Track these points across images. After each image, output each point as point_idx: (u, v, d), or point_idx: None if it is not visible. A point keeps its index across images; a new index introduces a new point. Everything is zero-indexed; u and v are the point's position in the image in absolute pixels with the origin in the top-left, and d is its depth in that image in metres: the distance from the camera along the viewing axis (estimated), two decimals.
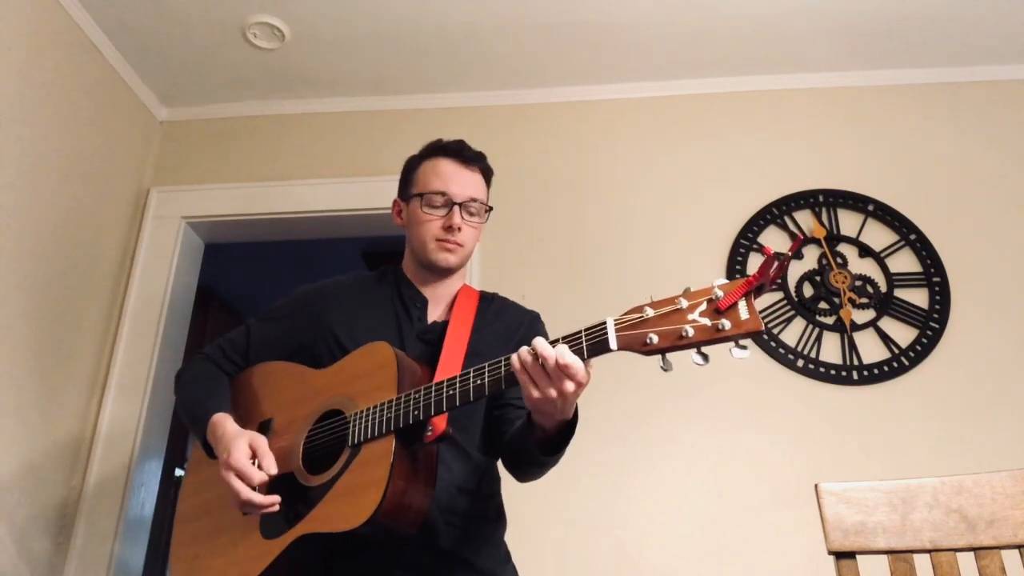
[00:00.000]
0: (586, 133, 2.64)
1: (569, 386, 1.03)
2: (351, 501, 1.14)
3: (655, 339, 0.97)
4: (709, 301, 0.95)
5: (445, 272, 1.46)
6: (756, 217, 2.45)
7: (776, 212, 2.45)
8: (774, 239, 2.43)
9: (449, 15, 2.38)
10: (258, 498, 1.18)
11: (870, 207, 2.44)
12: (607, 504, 2.13)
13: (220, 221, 2.67)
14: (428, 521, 1.20)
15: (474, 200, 1.44)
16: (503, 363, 1.09)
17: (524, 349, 1.05)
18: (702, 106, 2.65)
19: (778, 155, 2.55)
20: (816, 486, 1.08)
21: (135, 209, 2.63)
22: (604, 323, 1.01)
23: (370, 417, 1.19)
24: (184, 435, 3.56)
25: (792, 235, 2.42)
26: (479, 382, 1.11)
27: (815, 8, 2.36)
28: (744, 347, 0.93)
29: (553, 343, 1.04)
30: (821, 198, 2.47)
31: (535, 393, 1.05)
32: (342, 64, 2.59)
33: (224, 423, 1.29)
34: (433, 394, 1.14)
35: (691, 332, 0.95)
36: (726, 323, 0.93)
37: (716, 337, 0.94)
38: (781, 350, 2.27)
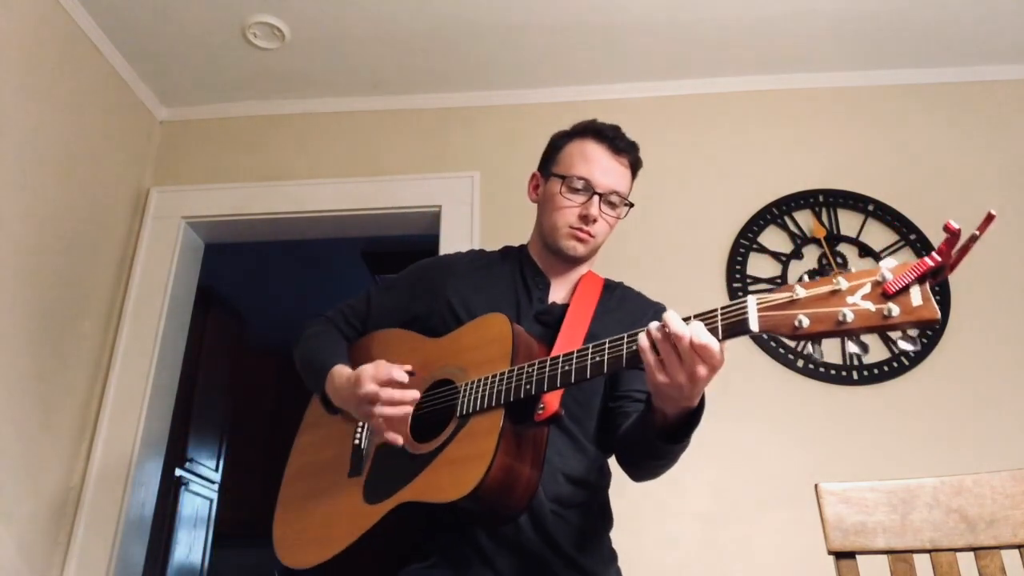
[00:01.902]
0: None
1: (702, 370, 0.94)
2: (454, 472, 1.10)
3: (806, 323, 0.86)
4: (875, 284, 0.83)
5: (571, 260, 1.41)
6: (756, 217, 2.45)
7: (776, 212, 2.45)
8: (774, 239, 2.43)
9: (449, 15, 2.38)
10: (398, 393, 1.17)
11: (870, 207, 2.44)
12: None
13: (220, 221, 2.67)
14: (534, 505, 1.16)
15: (616, 192, 1.37)
16: (625, 340, 1.01)
17: (654, 325, 0.96)
18: (702, 106, 2.65)
19: (778, 155, 2.55)
20: (816, 486, 1.08)
21: (135, 209, 2.63)
22: (744, 301, 0.91)
23: (480, 388, 1.15)
24: (184, 435, 3.56)
25: (792, 236, 2.42)
26: (598, 359, 1.03)
27: (815, 8, 2.36)
28: (913, 338, 0.82)
29: (685, 320, 0.95)
30: (821, 198, 2.47)
31: (661, 377, 0.96)
32: (342, 64, 2.59)
33: (343, 370, 1.29)
34: (548, 369, 1.08)
35: (851, 317, 0.83)
36: (895, 308, 0.80)
37: (882, 325, 0.81)
38: (781, 350, 2.27)
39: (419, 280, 1.47)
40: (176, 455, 3.45)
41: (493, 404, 1.12)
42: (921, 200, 2.44)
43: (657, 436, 1.10)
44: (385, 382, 1.18)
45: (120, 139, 2.57)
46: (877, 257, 2.38)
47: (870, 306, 0.82)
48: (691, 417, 1.07)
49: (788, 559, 1.99)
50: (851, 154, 2.53)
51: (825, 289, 0.86)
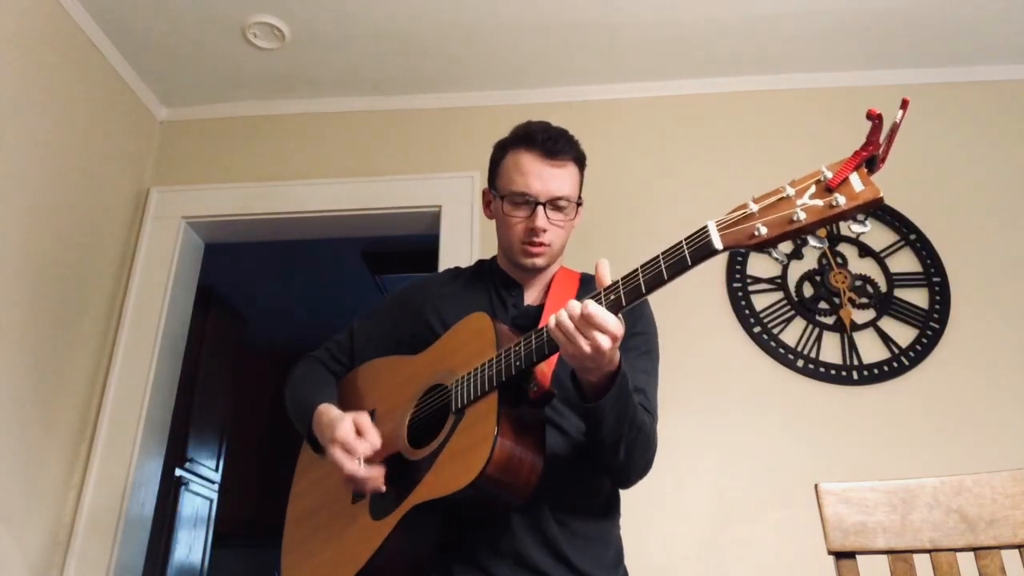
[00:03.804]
0: (585, 133, 2.59)
1: (602, 340, 1.01)
2: (459, 462, 1.11)
3: (764, 231, 0.92)
4: (817, 182, 0.91)
5: (535, 272, 1.43)
6: None
7: None
8: None
9: (449, 15, 2.38)
10: (362, 471, 1.18)
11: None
12: None
13: (220, 221, 2.67)
14: (532, 509, 1.16)
15: (559, 197, 1.36)
16: (603, 293, 1.06)
17: (562, 310, 1.05)
18: (702, 106, 2.65)
19: (777, 155, 2.54)
20: (816, 486, 1.08)
21: (135, 209, 2.63)
22: (705, 227, 0.98)
23: (471, 379, 1.17)
24: (184, 435, 3.56)
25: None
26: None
27: (815, 8, 2.36)
28: (862, 221, 0.88)
29: (660, 254, 1.02)
30: None
31: (570, 349, 1.04)
32: (342, 64, 2.59)
33: (328, 410, 1.30)
34: (534, 341, 1.11)
35: (803, 216, 0.90)
36: (840, 198, 0.87)
37: (831, 215, 0.88)
38: (781, 350, 2.27)
39: (398, 305, 1.50)
40: (176, 455, 3.45)
41: (486, 389, 1.13)
42: (921, 200, 2.43)
43: (586, 401, 1.14)
44: (350, 452, 1.20)
45: (120, 139, 2.57)
46: (877, 257, 2.38)
47: (818, 202, 0.89)
48: (615, 377, 1.11)
49: (788, 559, 1.99)
50: (850, 154, 2.53)
51: (775, 198, 0.94)
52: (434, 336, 1.35)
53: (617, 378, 1.11)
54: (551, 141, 1.37)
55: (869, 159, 0.88)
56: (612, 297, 1.04)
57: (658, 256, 1.01)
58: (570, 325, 1.03)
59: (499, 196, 1.40)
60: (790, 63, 2.59)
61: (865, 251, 2.39)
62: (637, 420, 1.18)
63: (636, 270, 1.04)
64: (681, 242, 1.00)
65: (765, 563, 2.03)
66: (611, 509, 1.33)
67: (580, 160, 1.43)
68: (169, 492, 3.41)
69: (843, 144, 2.76)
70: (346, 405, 1.35)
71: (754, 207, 0.95)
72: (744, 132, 2.59)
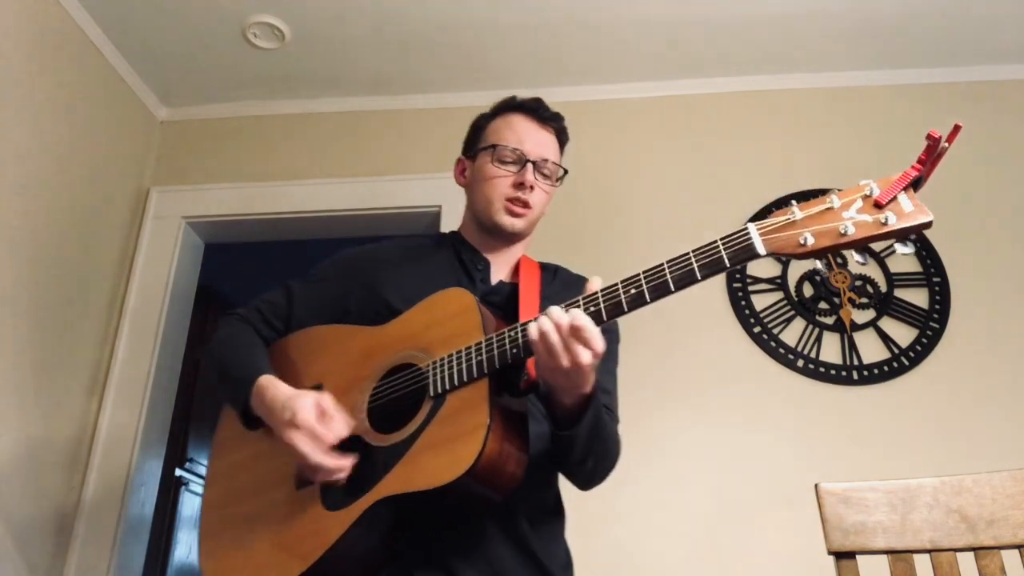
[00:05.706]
0: (585, 133, 2.63)
1: (583, 355, 0.95)
2: (443, 454, 1.00)
3: (811, 240, 0.89)
4: (864, 197, 0.89)
5: (509, 238, 1.35)
6: (755, 217, 2.44)
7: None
8: None
9: (449, 15, 2.38)
10: (331, 461, 1.05)
11: None
12: (606, 503, 2.13)
13: (220, 221, 2.67)
14: (503, 506, 1.08)
15: (549, 161, 1.33)
16: (620, 287, 0.99)
17: (542, 316, 0.97)
18: (702, 106, 2.65)
19: (777, 155, 2.54)
20: (816, 486, 1.08)
21: (135, 209, 2.63)
22: (745, 229, 0.93)
23: (455, 362, 1.05)
24: (184, 435, 3.56)
25: None
26: (593, 310, 0.99)
27: (816, 8, 2.36)
28: (909, 243, 0.87)
29: (691, 252, 0.96)
30: None
31: (547, 360, 0.97)
32: (342, 64, 2.59)
33: (275, 385, 1.15)
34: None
35: (852, 230, 0.87)
36: (891, 216, 0.86)
37: (882, 232, 0.86)
38: (781, 350, 2.27)
39: (347, 272, 1.36)
40: (176, 455, 3.44)
41: (475, 376, 1.03)
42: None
43: (558, 427, 1.09)
44: (317, 440, 1.06)
45: (120, 139, 2.57)
46: (877, 257, 2.38)
47: (867, 217, 0.88)
48: (587, 403, 1.06)
49: (788, 559, 1.99)
50: (851, 154, 2.53)
51: (820, 208, 0.91)
52: (391, 313, 1.22)
53: (592, 403, 1.05)
54: (543, 109, 1.38)
55: (916, 179, 0.87)
56: (633, 292, 0.98)
57: (688, 254, 0.96)
58: (556, 336, 0.95)
59: (486, 149, 1.34)
60: (790, 63, 2.59)
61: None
62: (605, 432, 1.14)
63: (661, 265, 0.98)
64: (716, 242, 0.95)
65: (765, 563, 2.03)
66: (560, 505, 1.28)
67: (563, 136, 1.41)
68: (169, 492, 3.41)
69: (844, 144, 2.78)
70: (281, 375, 1.20)
71: (798, 214, 0.91)
72: (743, 132, 2.59)
